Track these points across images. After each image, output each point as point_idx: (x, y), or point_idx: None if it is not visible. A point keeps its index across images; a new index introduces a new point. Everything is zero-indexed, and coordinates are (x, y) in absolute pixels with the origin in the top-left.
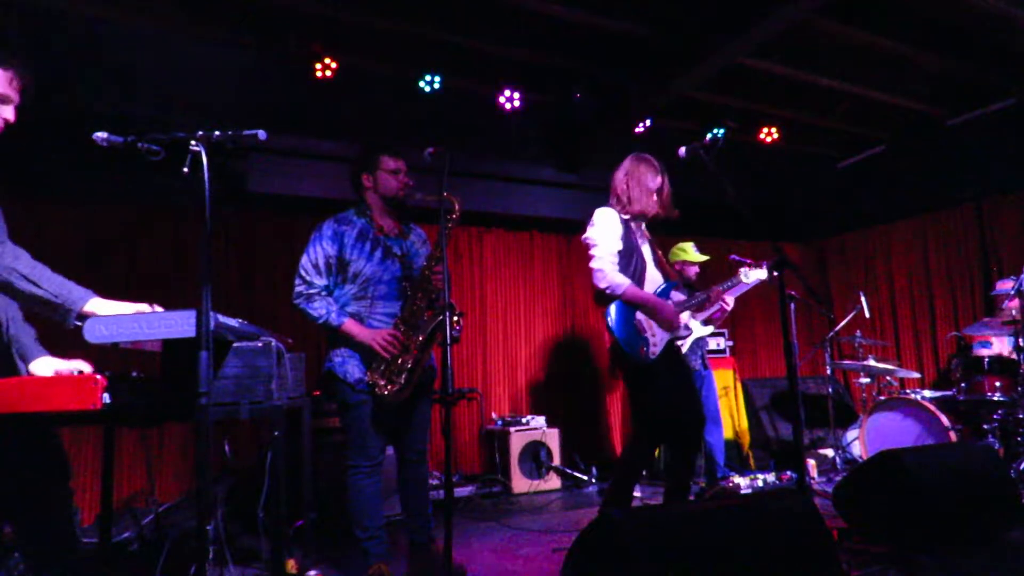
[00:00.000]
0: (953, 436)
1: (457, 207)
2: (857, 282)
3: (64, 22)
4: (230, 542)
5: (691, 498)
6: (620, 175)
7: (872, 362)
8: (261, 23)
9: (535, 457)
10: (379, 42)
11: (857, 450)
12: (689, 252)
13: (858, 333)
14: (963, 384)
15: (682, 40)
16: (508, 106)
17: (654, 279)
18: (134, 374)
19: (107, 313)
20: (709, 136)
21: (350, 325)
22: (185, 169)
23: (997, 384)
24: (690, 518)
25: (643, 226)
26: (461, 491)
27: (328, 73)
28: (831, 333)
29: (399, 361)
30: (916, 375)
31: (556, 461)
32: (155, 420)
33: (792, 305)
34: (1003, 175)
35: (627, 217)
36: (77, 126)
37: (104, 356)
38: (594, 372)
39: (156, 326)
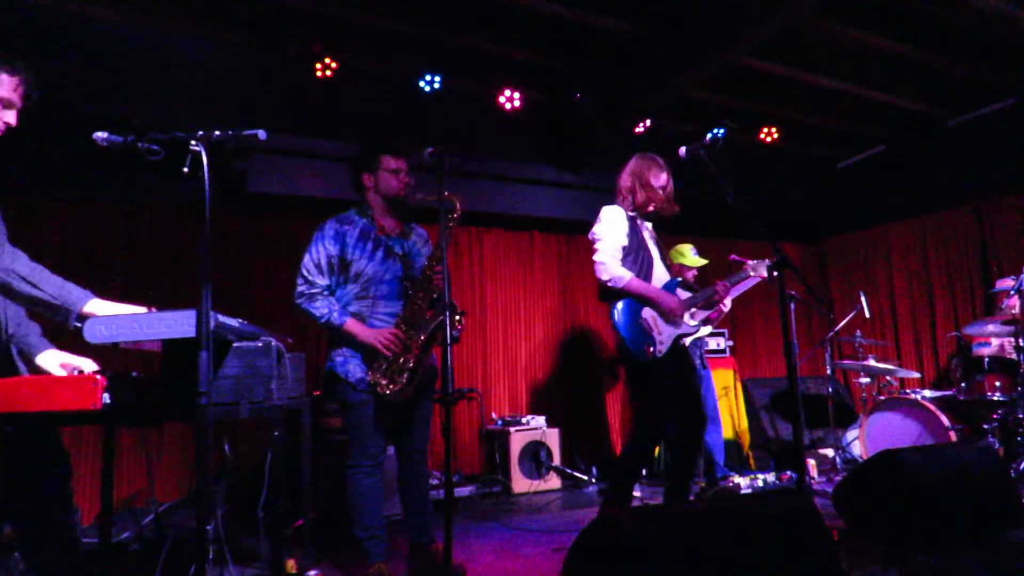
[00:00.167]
0: (953, 436)
1: (458, 207)
2: (857, 282)
3: (64, 21)
4: (230, 542)
5: (691, 498)
6: (626, 174)
7: (872, 362)
8: (262, 23)
9: (535, 457)
10: (379, 42)
11: (857, 450)
12: (687, 256)
13: (858, 333)
14: (963, 384)
15: (682, 40)
16: (508, 106)
17: (660, 276)
18: (134, 374)
19: (106, 314)
20: (709, 136)
21: (352, 325)
22: (185, 169)
23: (997, 384)
24: (690, 518)
25: (650, 225)
26: (461, 491)
27: (328, 73)
28: (831, 333)
29: (400, 361)
30: (916, 375)
31: (556, 461)
32: (155, 420)
33: (792, 305)
34: (1003, 175)
35: (633, 215)
36: (77, 126)
37: (104, 356)
38: (594, 372)
39: (156, 326)
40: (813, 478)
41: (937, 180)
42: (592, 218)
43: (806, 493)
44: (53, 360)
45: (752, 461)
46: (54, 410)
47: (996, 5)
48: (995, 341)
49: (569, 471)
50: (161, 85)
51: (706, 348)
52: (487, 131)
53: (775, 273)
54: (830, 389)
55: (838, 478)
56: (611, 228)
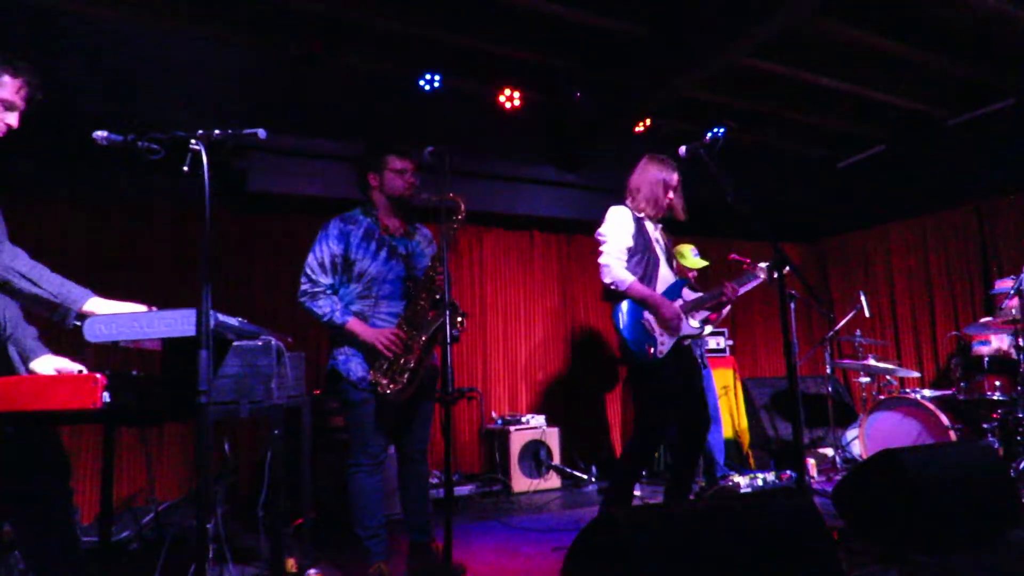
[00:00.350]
0: (953, 435)
1: (463, 208)
2: (857, 282)
3: (63, 21)
4: (230, 541)
5: (691, 497)
6: (635, 175)
7: (872, 361)
8: (261, 22)
9: (535, 456)
10: (379, 41)
11: (857, 449)
12: (688, 257)
13: (858, 332)
14: (963, 383)
15: (682, 40)
16: (508, 105)
17: (665, 278)
18: (134, 373)
19: (106, 312)
20: (709, 136)
21: (354, 324)
22: (185, 168)
23: (997, 383)
24: (690, 517)
25: (659, 226)
26: (461, 490)
27: (328, 72)
28: (831, 332)
29: (402, 361)
30: (916, 374)
31: (556, 460)
32: (155, 419)
33: (792, 304)
34: (1003, 175)
35: (641, 215)
36: (77, 125)
37: (104, 355)
38: (594, 371)
39: (156, 325)
40: (813, 477)
41: (937, 180)
42: (592, 217)
43: (806, 493)
44: (48, 366)
45: (752, 460)
46: (54, 409)
47: (996, 5)
48: (995, 341)
49: (569, 470)
50: (161, 84)
51: (706, 347)
52: (487, 131)
53: (775, 273)
54: (830, 388)
55: (838, 478)
56: (617, 229)
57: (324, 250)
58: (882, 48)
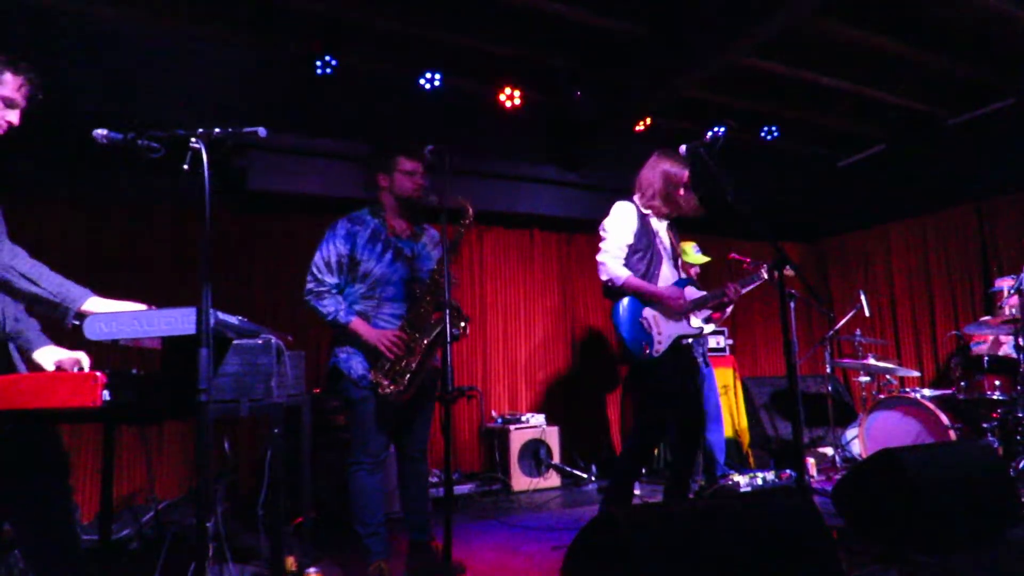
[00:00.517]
0: (952, 435)
1: (470, 212)
2: (857, 281)
3: (63, 20)
4: (230, 539)
5: (690, 496)
6: (647, 172)
7: (872, 361)
8: (262, 21)
9: (535, 455)
10: (379, 40)
11: (856, 449)
12: (689, 254)
13: (858, 332)
14: (962, 383)
15: (682, 40)
16: (508, 104)
17: (667, 276)
18: (134, 371)
19: (106, 311)
20: (709, 135)
21: (357, 324)
22: (185, 166)
23: (996, 383)
24: (689, 516)
25: (666, 223)
26: (461, 489)
27: (328, 71)
28: (831, 332)
29: (403, 363)
30: (916, 374)
31: (556, 459)
32: (155, 417)
33: (792, 304)
34: (1003, 174)
35: (647, 212)
36: (77, 124)
37: (104, 353)
38: (594, 370)
39: (156, 323)
40: (812, 477)
41: (937, 179)
42: (592, 217)
43: (805, 492)
44: (49, 357)
45: (751, 460)
46: (54, 407)
47: (996, 5)
48: (994, 340)
49: (569, 469)
50: (161, 83)
51: (707, 346)
52: (487, 130)
53: (775, 272)
54: (830, 388)
55: (837, 477)
56: (618, 225)
57: (331, 250)
58: (882, 48)
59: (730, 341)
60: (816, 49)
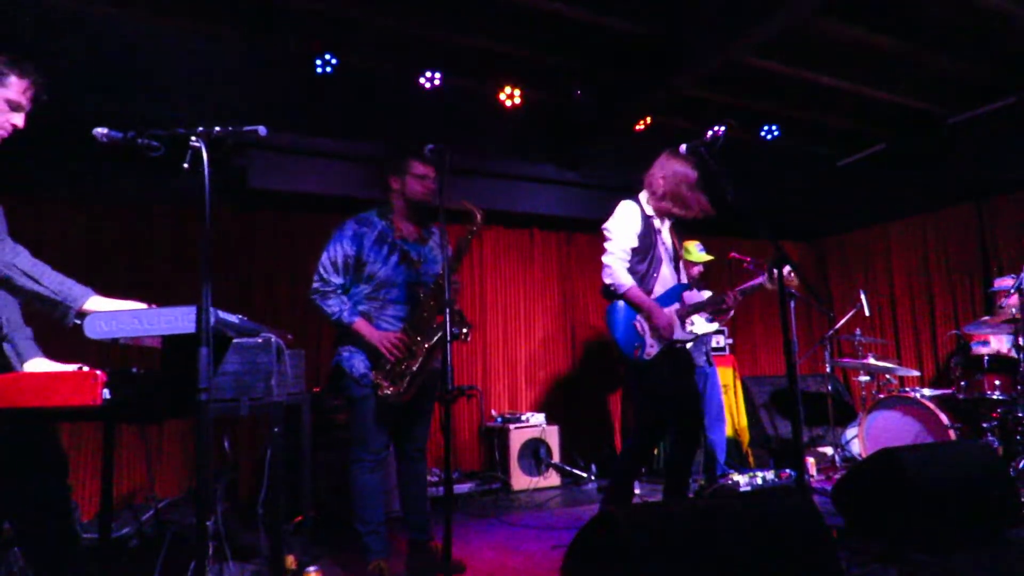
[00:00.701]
0: (952, 435)
1: (479, 217)
2: (857, 280)
3: (63, 19)
4: (230, 538)
5: (690, 496)
6: (657, 173)
7: (872, 360)
8: (262, 20)
9: (535, 454)
10: (379, 39)
11: (856, 448)
12: (693, 252)
13: (858, 331)
14: (962, 383)
15: (683, 38)
16: (508, 103)
17: (666, 279)
18: (134, 370)
19: (106, 310)
20: (709, 134)
21: (360, 325)
22: (185, 165)
23: (996, 383)
24: (689, 516)
25: (668, 224)
26: (460, 488)
27: (328, 70)
28: (831, 331)
29: (403, 365)
30: (915, 373)
31: (555, 458)
32: (155, 416)
33: (792, 303)
34: (1003, 174)
35: (651, 213)
36: (77, 123)
37: (104, 352)
38: (594, 370)
39: (156, 322)
40: (812, 476)
41: (937, 179)
42: (592, 216)
43: (805, 491)
44: (40, 370)
45: (751, 459)
46: (54, 406)
47: (997, 4)
48: (993, 342)
49: (568, 468)
50: (161, 82)
51: (711, 346)
52: (487, 129)
53: (775, 272)
54: (830, 387)
55: (837, 476)
56: (622, 227)
57: (338, 250)
58: (883, 46)
59: (730, 340)
60: (816, 48)
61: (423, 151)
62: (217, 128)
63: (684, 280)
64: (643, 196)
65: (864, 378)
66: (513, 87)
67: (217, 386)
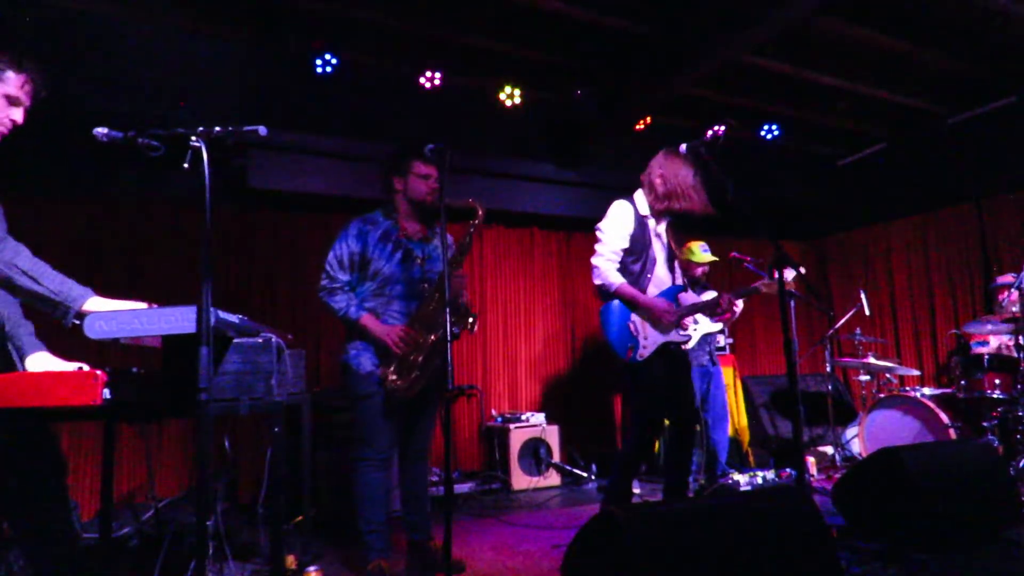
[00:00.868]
0: (952, 434)
1: (481, 213)
2: (857, 280)
3: (63, 18)
4: (230, 537)
5: (690, 495)
6: (656, 171)
7: (872, 359)
8: (262, 19)
9: (535, 454)
10: (380, 38)
11: (856, 448)
12: (696, 253)
13: (858, 331)
14: (963, 382)
15: (683, 38)
16: (509, 103)
17: (661, 279)
18: (134, 370)
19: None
20: (709, 134)
21: (367, 320)
22: (185, 165)
23: (997, 382)
24: (689, 515)
25: (664, 224)
26: (461, 487)
27: (328, 69)
28: (831, 331)
29: (411, 358)
30: (916, 373)
31: (556, 458)
32: (155, 416)
33: (792, 303)
34: (1004, 173)
35: (645, 214)
36: (77, 122)
37: (104, 352)
38: (594, 369)
39: (156, 322)
40: (812, 476)
41: (938, 178)
42: (592, 215)
43: (805, 491)
44: (42, 365)
45: (751, 458)
46: (54, 406)
47: (997, 2)
48: (993, 340)
49: (569, 468)
50: (161, 81)
51: (715, 345)
52: (487, 128)
53: (775, 272)
54: (830, 387)
55: (837, 476)
56: (614, 228)
57: (343, 248)
58: (883, 46)
59: (730, 340)
60: (817, 47)
61: (424, 151)
62: (217, 128)
63: (680, 281)
64: (638, 196)
65: (864, 377)
66: (513, 87)
67: (217, 386)
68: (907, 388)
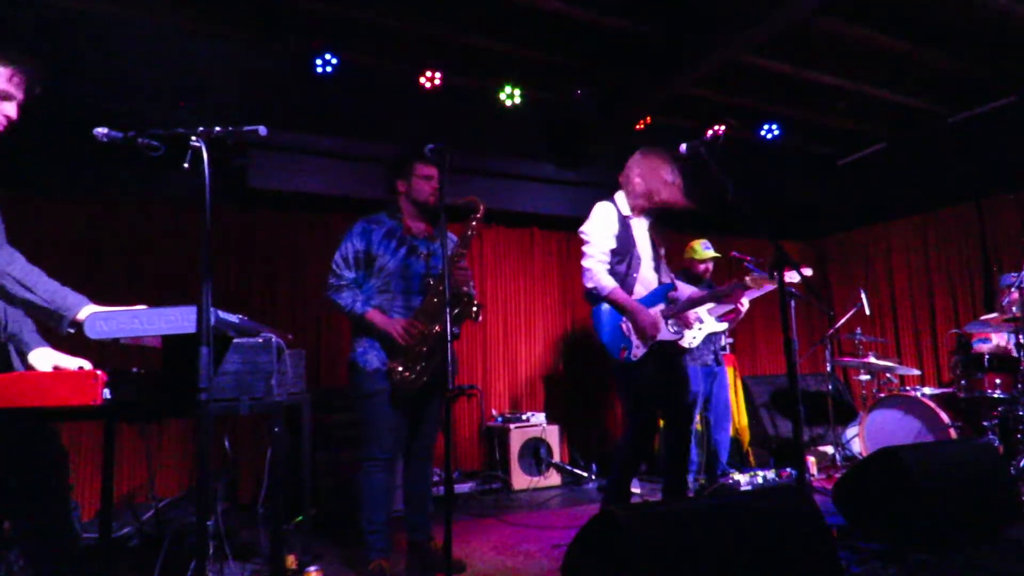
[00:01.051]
0: (953, 433)
1: (481, 208)
2: (857, 279)
3: (63, 18)
4: (230, 537)
5: (691, 495)
6: (632, 170)
7: (872, 359)
8: (262, 19)
9: (535, 454)
10: (380, 38)
11: (857, 447)
12: (698, 251)
13: (858, 330)
14: (963, 381)
15: (683, 38)
16: (509, 103)
17: (647, 280)
18: (135, 370)
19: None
20: (710, 134)
21: (373, 314)
22: (186, 165)
23: (997, 381)
24: (689, 515)
25: (647, 223)
26: (461, 487)
27: (328, 69)
28: (831, 330)
29: (416, 350)
30: (916, 372)
31: (556, 458)
32: (155, 416)
33: (792, 302)
34: (1004, 173)
35: (628, 213)
36: (77, 122)
37: (105, 352)
38: (594, 369)
39: (156, 322)
40: (813, 475)
41: (938, 177)
42: None
43: (806, 490)
44: (45, 360)
45: (752, 458)
46: (54, 406)
47: (998, 2)
48: (994, 338)
49: (569, 468)
50: (161, 81)
51: (720, 344)
52: (488, 128)
53: (775, 272)
54: (830, 386)
55: (838, 475)
56: (599, 230)
57: (348, 247)
58: (883, 45)
59: (730, 340)
60: (817, 46)
61: (424, 151)
62: (217, 128)
63: (667, 280)
64: (619, 196)
65: (864, 377)
66: (513, 87)
67: (217, 386)
68: (907, 388)
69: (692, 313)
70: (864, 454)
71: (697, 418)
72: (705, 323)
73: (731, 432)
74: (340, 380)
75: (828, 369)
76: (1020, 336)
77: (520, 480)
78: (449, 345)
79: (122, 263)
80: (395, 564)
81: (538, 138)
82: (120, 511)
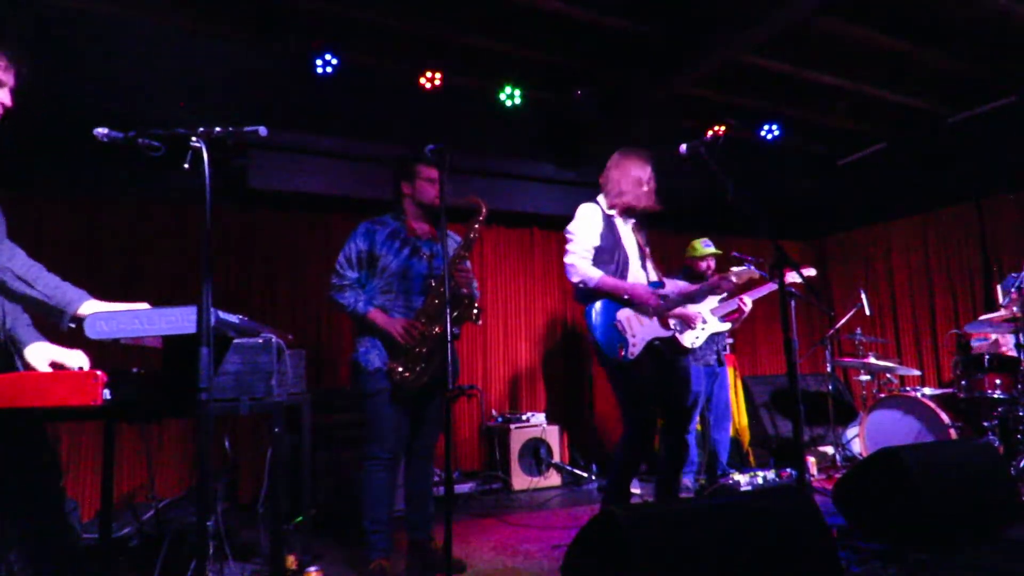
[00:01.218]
0: (953, 433)
1: (484, 210)
2: (857, 280)
3: (62, 18)
4: (230, 537)
5: (691, 495)
6: (610, 171)
7: (872, 359)
8: (262, 19)
9: (535, 454)
10: (380, 38)
11: (857, 447)
12: (698, 249)
13: (858, 331)
14: (963, 382)
15: (683, 38)
16: (509, 103)
17: (636, 276)
18: (135, 370)
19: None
20: (710, 134)
21: (375, 314)
22: (186, 165)
23: (997, 381)
24: (689, 515)
25: (631, 224)
26: (461, 487)
27: (328, 69)
28: (831, 331)
29: (417, 350)
30: (916, 372)
31: (556, 458)
32: (155, 416)
33: (792, 302)
34: (1004, 173)
35: (612, 213)
36: (77, 122)
37: (105, 352)
38: (594, 369)
39: (157, 322)
40: (813, 476)
41: (938, 177)
42: None
43: (806, 491)
44: (41, 355)
45: (752, 458)
46: (54, 406)
47: (998, 2)
48: (992, 336)
49: (569, 468)
50: (161, 81)
51: (723, 344)
52: (488, 128)
53: (775, 272)
54: (830, 387)
55: (838, 476)
56: (584, 228)
57: (352, 248)
58: (883, 45)
59: (730, 340)
60: (817, 46)
61: (424, 152)
62: (217, 128)
63: (655, 278)
64: (601, 197)
65: (865, 377)
66: (513, 87)
67: (217, 386)
68: (907, 388)
69: (696, 313)
70: (864, 454)
71: (697, 418)
72: (709, 323)
73: (731, 432)
74: (340, 380)
75: (828, 369)
76: (1020, 336)
77: (520, 480)
78: (450, 345)
79: (122, 263)
80: (395, 564)
81: (538, 138)
82: (120, 511)
